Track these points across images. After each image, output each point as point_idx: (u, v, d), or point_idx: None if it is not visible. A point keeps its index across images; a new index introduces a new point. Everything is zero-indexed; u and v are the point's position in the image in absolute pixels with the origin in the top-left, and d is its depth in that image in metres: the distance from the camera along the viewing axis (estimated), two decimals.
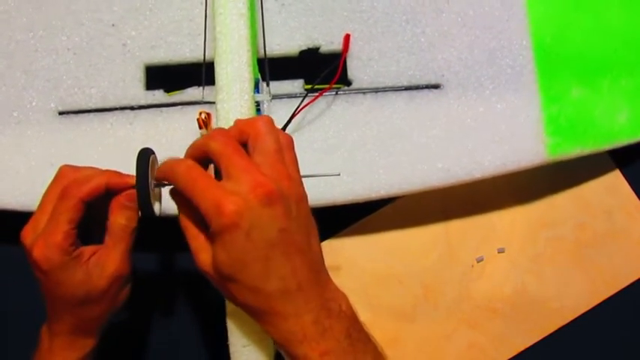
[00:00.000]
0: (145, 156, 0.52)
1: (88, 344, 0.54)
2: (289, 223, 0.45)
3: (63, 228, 0.50)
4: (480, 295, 0.70)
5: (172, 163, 0.49)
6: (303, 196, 0.48)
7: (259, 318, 0.47)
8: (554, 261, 0.71)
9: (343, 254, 0.70)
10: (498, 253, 0.71)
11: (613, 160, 0.73)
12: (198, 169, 0.47)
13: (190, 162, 0.47)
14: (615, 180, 0.73)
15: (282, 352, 0.48)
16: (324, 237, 0.70)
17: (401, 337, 0.69)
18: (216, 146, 0.47)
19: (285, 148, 0.48)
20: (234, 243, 0.44)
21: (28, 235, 0.51)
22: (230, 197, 0.44)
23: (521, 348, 0.69)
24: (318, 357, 0.45)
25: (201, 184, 0.45)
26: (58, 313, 0.53)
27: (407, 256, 0.71)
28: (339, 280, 0.68)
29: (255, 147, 0.47)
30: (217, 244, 0.45)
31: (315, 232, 0.49)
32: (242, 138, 0.48)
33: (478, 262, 0.71)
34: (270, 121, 0.49)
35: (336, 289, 0.49)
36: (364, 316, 0.67)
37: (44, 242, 0.50)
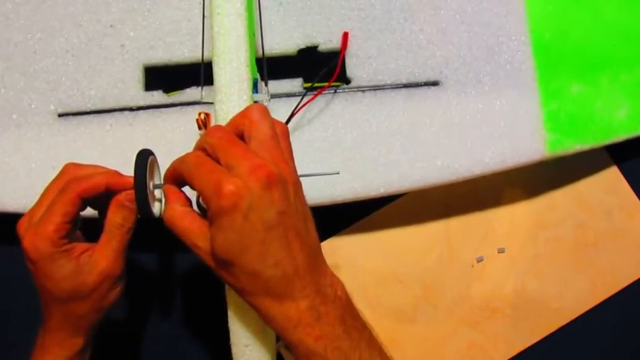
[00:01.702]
0: (144, 157, 0.52)
1: (77, 343, 0.54)
2: (288, 207, 0.45)
3: (56, 220, 0.50)
4: (479, 295, 0.70)
5: (183, 155, 0.49)
6: (299, 182, 0.48)
7: (255, 303, 0.47)
8: (554, 261, 0.71)
9: (343, 254, 0.70)
10: (498, 253, 0.71)
11: (613, 160, 0.73)
12: (205, 157, 0.47)
13: (199, 152, 0.48)
14: (615, 180, 0.72)
15: (280, 337, 0.48)
16: (324, 237, 0.70)
17: (401, 337, 0.69)
18: (212, 140, 0.47)
19: (280, 135, 0.49)
20: (232, 225, 0.44)
21: (22, 224, 0.52)
22: (230, 179, 0.44)
23: (521, 348, 0.69)
24: (313, 342, 0.46)
25: (205, 168, 0.46)
26: (48, 308, 0.53)
27: (407, 256, 0.71)
28: None
29: (251, 134, 0.47)
30: (215, 226, 0.45)
31: (311, 218, 0.49)
32: (238, 130, 0.48)
33: (478, 262, 0.71)
34: (264, 109, 0.49)
35: (333, 275, 0.49)
36: (364, 316, 0.68)
37: (35, 232, 0.51)
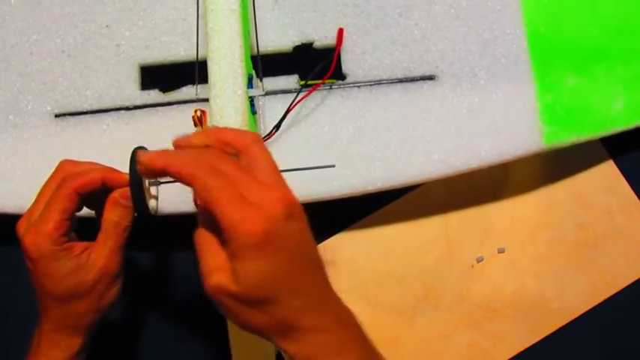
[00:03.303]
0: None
1: (74, 344, 0.54)
2: (308, 236, 0.45)
3: (55, 217, 0.50)
4: (480, 295, 0.70)
5: (191, 156, 0.45)
6: (303, 211, 0.47)
7: (284, 336, 0.45)
8: (554, 261, 0.70)
9: (343, 254, 0.70)
10: (498, 253, 0.71)
11: (613, 160, 0.72)
12: (222, 180, 0.43)
13: (211, 175, 0.44)
14: (615, 180, 0.72)
15: None
16: (325, 237, 0.70)
17: (401, 337, 0.69)
18: (226, 168, 0.44)
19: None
20: (259, 259, 0.42)
21: (22, 224, 0.52)
22: (254, 212, 0.42)
23: (521, 348, 0.69)
24: None
25: (225, 195, 0.43)
26: (46, 308, 0.53)
27: (407, 256, 0.70)
28: (338, 279, 0.69)
29: (254, 164, 0.46)
30: (242, 261, 0.42)
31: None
32: (228, 150, 0.47)
33: (478, 262, 0.70)
34: (259, 137, 0.48)
35: (344, 303, 0.48)
36: (364, 316, 0.67)
37: (35, 230, 0.51)
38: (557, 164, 0.71)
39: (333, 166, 0.53)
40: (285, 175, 0.56)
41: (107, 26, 0.67)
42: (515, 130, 0.64)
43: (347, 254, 0.70)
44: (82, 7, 0.67)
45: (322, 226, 0.69)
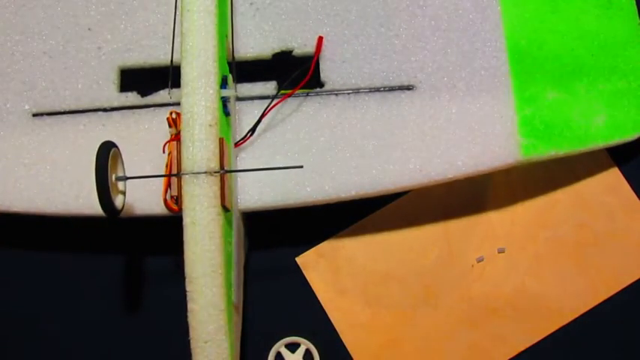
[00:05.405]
0: (105, 149, 0.52)
1: None
2: None
3: None
4: (480, 295, 0.69)
5: None
6: None
7: None
8: (554, 261, 0.70)
9: (343, 254, 0.70)
10: (498, 253, 0.70)
11: (613, 160, 0.72)
12: None
13: None
14: (615, 180, 0.72)
15: None
16: (325, 237, 0.70)
17: (401, 337, 0.68)
18: None
19: None
20: None
21: None
22: None
23: (521, 348, 0.68)
24: None
25: None
26: None
27: (407, 256, 0.70)
28: (339, 280, 0.68)
29: None
30: None
31: None
32: None
33: (478, 262, 0.70)
34: None
35: None
36: (364, 316, 0.68)
37: None
38: (558, 164, 0.70)
39: (301, 166, 0.53)
40: (257, 178, 0.56)
41: (89, 29, 0.67)
42: (493, 141, 0.64)
43: (347, 254, 0.70)
44: (65, 9, 0.68)
45: (322, 226, 0.69)
